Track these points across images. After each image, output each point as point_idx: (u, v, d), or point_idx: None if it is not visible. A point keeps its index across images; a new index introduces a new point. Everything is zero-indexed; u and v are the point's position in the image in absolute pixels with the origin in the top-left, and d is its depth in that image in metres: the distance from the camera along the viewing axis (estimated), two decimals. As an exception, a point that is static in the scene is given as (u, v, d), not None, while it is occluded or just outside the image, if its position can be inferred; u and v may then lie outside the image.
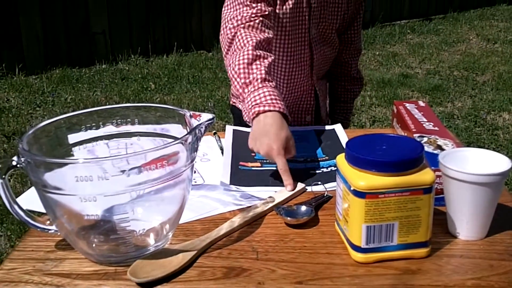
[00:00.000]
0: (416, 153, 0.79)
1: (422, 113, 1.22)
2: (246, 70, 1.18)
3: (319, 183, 1.08)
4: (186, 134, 0.80)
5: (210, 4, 4.78)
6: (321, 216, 0.97)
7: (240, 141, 1.31)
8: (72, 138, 0.94)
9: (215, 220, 0.97)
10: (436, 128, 1.12)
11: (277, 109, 1.11)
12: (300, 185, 1.08)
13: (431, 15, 6.41)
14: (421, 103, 1.29)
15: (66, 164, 0.76)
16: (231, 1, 1.33)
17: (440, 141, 1.05)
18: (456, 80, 4.27)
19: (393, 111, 1.30)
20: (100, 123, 0.97)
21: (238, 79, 1.19)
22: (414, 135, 1.09)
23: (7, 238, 2.25)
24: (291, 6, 1.39)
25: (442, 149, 1.02)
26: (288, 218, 0.94)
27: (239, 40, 1.24)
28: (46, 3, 4.11)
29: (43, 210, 0.87)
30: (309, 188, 1.08)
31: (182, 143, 0.80)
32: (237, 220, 0.95)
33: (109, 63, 4.44)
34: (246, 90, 1.17)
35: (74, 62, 4.32)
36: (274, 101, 1.12)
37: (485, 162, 0.86)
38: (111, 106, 0.96)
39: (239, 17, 1.28)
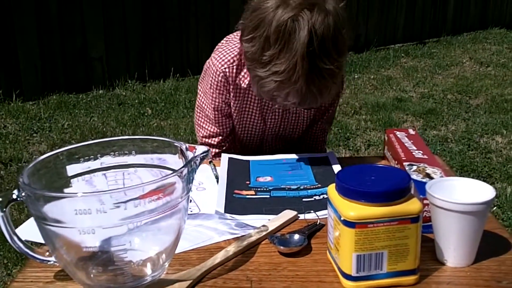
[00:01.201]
0: (404, 184, 0.82)
1: (412, 141, 1.25)
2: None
3: (312, 211, 1.10)
4: (182, 167, 0.83)
5: (207, 29, 4.85)
6: (314, 244, 0.99)
7: (235, 169, 1.34)
8: (71, 169, 0.96)
9: (210, 249, 0.99)
10: (425, 156, 1.16)
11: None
12: (292, 213, 1.10)
13: (424, 38, 6.50)
14: (411, 131, 1.32)
15: (65, 197, 0.79)
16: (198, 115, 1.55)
17: (429, 169, 1.08)
18: (450, 103, 4.32)
19: (385, 139, 1.34)
20: (98, 154, 1.00)
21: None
22: (404, 163, 1.13)
23: (4, 266, 2.26)
24: (244, 116, 1.51)
25: (431, 177, 1.05)
26: (281, 247, 0.96)
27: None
28: (43, 29, 4.16)
29: (41, 240, 0.90)
30: (301, 216, 1.10)
31: (178, 175, 0.83)
32: (231, 249, 0.97)
33: (106, 88, 4.48)
34: None
35: (71, 87, 4.36)
36: None
37: (471, 191, 0.89)
38: (109, 138, 0.99)
39: (203, 135, 1.55)
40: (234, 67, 1.42)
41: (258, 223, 1.07)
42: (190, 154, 0.89)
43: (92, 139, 3.07)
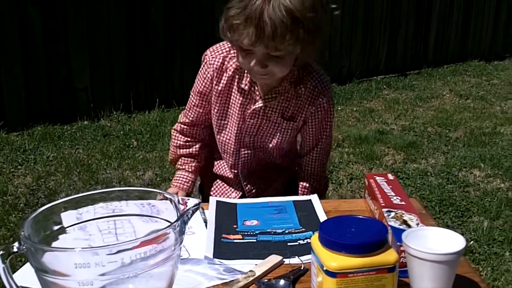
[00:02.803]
0: (381, 236, 0.88)
1: (390, 186, 1.32)
2: (174, 163, 1.77)
3: (296, 256, 1.16)
4: (175, 221, 0.89)
5: (192, 60, 4.92)
6: (298, 289, 1.05)
7: (223, 212, 1.39)
8: (65, 216, 1.01)
9: (200, 294, 1.04)
10: (402, 203, 1.22)
11: (181, 188, 1.69)
12: (277, 258, 1.16)
13: (406, 70, 6.65)
14: (390, 176, 1.39)
15: (64, 251, 0.84)
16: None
17: (406, 216, 1.15)
18: (430, 136, 4.44)
19: (365, 184, 1.40)
20: (91, 203, 1.05)
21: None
22: (383, 209, 1.19)
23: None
24: (231, 112, 1.62)
25: (407, 224, 1.12)
26: (268, 293, 1.02)
27: (171, 140, 1.76)
28: (28, 59, 4.18)
29: (36, 286, 0.94)
30: (286, 261, 1.16)
31: (172, 228, 0.88)
32: (220, 295, 1.02)
33: (91, 119, 4.52)
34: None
35: (56, 118, 4.38)
36: (183, 183, 1.70)
37: (443, 240, 0.96)
38: (103, 190, 1.04)
39: (178, 120, 1.73)
40: (221, 57, 1.56)
41: (245, 267, 1.13)
42: (181, 207, 0.95)
43: (78, 173, 3.09)
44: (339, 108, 5.13)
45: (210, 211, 1.39)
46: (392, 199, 1.25)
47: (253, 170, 1.70)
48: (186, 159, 1.72)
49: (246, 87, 1.54)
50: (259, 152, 1.66)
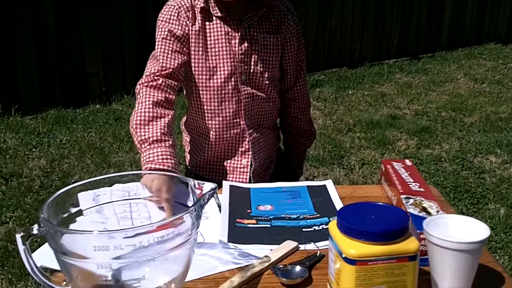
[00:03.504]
0: (402, 224, 0.87)
1: (408, 173, 1.30)
2: (142, 129, 1.34)
3: (312, 242, 1.15)
4: (193, 205, 0.88)
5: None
6: (314, 275, 1.04)
7: (236, 197, 1.38)
8: (82, 197, 1.00)
9: (216, 279, 1.03)
10: (421, 190, 1.20)
11: (165, 167, 1.29)
12: (293, 244, 1.14)
13: (419, 54, 6.57)
14: (407, 162, 1.37)
15: (82, 233, 0.84)
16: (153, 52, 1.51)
17: (425, 203, 1.13)
18: (444, 121, 4.39)
19: (382, 170, 1.38)
20: (108, 185, 1.04)
21: (136, 136, 1.36)
22: (401, 196, 1.17)
23: (8, 281, 2.29)
24: (216, 49, 1.51)
25: (427, 211, 1.10)
26: (284, 279, 1.01)
27: (140, 97, 1.40)
28: (42, 45, 4.20)
29: (54, 266, 0.97)
30: (302, 247, 1.14)
31: (188, 212, 0.87)
32: (236, 280, 1.01)
33: (103, 103, 4.52)
34: (142, 147, 1.34)
35: (68, 102, 4.39)
36: (164, 160, 1.30)
37: (466, 229, 0.94)
38: (118, 174, 1.03)
39: (146, 74, 1.45)
40: None
41: (260, 253, 1.12)
42: (197, 191, 0.94)
43: (91, 156, 3.11)
44: (350, 92, 5.09)
45: (224, 195, 1.38)
46: (410, 185, 1.23)
47: (254, 119, 1.61)
48: (166, 128, 1.35)
49: (223, 14, 1.49)
50: (257, 89, 1.58)
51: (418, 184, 1.23)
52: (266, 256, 1.09)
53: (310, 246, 1.14)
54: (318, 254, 1.10)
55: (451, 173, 3.40)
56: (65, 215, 0.95)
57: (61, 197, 0.94)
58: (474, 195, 3.13)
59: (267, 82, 1.59)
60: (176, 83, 1.46)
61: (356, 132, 4.11)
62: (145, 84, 1.42)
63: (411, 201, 1.14)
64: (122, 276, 0.86)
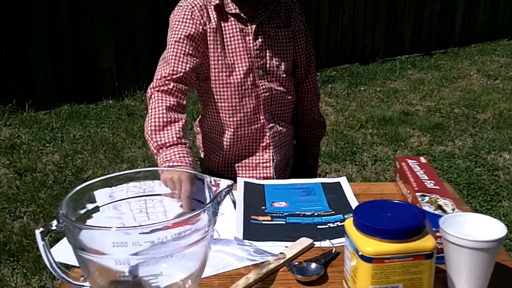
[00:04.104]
0: (419, 222, 0.87)
1: (423, 170, 1.30)
2: (158, 134, 1.35)
3: (327, 239, 1.15)
4: (209, 202, 0.88)
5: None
6: (330, 273, 1.04)
7: (251, 193, 1.38)
8: (99, 195, 1.01)
9: (232, 276, 1.04)
10: (436, 187, 1.20)
11: (183, 164, 1.30)
12: (308, 241, 1.15)
13: (431, 50, 6.53)
14: (422, 160, 1.37)
15: (100, 229, 0.84)
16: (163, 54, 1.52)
17: (441, 201, 1.13)
18: (457, 117, 4.36)
19: (396, 167, 1.38)
20: (124, 183, 1.05)
21: (151, 142, 1.37)
22: (416, 193, 1.17)
23: (23, 275, 2.32)
24: (232, 46, 1.54)
25: (442, 209, 1.09)
26: (299, 276, 1.01)
27: (152, 103, 1.41)
28: (55, 41, 4.23)
29: (69, 262, 0.99)
30: (317, 244, 1.15)
31: (205, 209, 0.88)
32: (252, 276, 1.02)
33: (116, 99, 4.54)
34: (160, 152, 1.35)
35: (81, 98, 4.42)
36: (182, 158, 1.31)
37: (482, 227, 0.93)
38: (134, 170, 1.04)
39: (157, 78, 1.45)
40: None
41: (275, 249, 1.12)
42: (214, 188, 0.94)
43: (104, 151, 3.13)
44: (362, 88, 5.08)
45: (238, 192, 1.38)
46: (425, 183, 1.22)
47: (274, 113, 1.63)
48: (181, 132, 1.37)
49: (237, 10, 1.53)
50: (274, 83, 1.59)
51: (433, 182, 1.23)
52: (281, 253, 1.10)
53: (325, 243, 1.14)
54: (333, 251, 1.10)
55: (464, 170, 3.38)
56: (83, 211, 0.96)
57: (79, 193, 0.95)
58: (488, 192, 3.11)
59: (284, 75, 1.61)
60: (186, 88, 1.47)
61: (368, 128, 4.10)
62: (157, 89, 1.43)
63: (427, 198, 1.14)
64: (140, 272, 0.87)
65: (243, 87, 1.56)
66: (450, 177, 3.29)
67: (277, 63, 1.60)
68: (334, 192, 1.39)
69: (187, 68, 1.46)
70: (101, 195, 1.01)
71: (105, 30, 4.46)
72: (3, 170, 3.24)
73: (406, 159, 1.37)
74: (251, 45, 1.55)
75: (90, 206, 0.98)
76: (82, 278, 0.92)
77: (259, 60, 1.57)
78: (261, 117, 1.60)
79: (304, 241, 1.14)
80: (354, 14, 5.84)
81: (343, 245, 0.96)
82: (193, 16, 1.50)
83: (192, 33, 1.49)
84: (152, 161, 3.46)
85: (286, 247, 1.13)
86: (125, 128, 3.95)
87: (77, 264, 0.91)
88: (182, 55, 1.46)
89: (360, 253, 0.86)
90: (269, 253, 1.11)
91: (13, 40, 4.05)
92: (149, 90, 1.45)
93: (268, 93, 1.59)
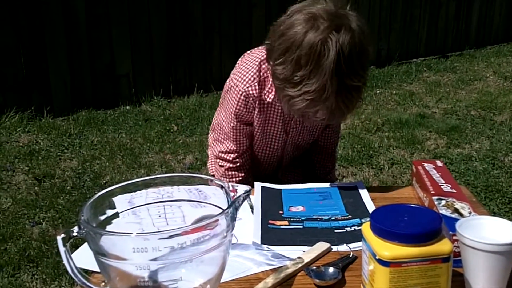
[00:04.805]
0: (435, 226, 0.87)
1: (440, 174, 1.30)
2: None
3: (344, 243, 1.16)
4: (228, 208, 0.90)
5: (230, 45, 4.94)
6: (348, 277, 1.05)
7: (268, 198, 1.39)
8: (118, 201, 1.03)
9: (250, 280, 1.05)
10: (453, 191, 1.20)
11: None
12: (325, 245, 1.16)
13: (447, 52, 6.50)
14: (438, 163, 1.37)
15: (120, 235, 0.86)
16: (222, 131, 1.64)
17: (457, 204, 1.13)
18: (474, 120, 4.33)
19: (412, 171, 1.39)
20: (143, 188, 1.07)
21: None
22: (433, 197, 1.17)
23: (43, 281, 2.35)
24: (268, 129, 1.59)
25: (459, 213, 1.10)
26: (317, 280, 1.02)
27: (226, 178, 1.65)
28: (73, 47, 4.28)
29: (89, 267, 1.01)
30: (334, 248, 1.15)
31: (223, 214, 0.89)
32: (270, 281, 1.03)
33: (133, 104, 4.58)
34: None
35: (99, 104, 4.46)
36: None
37: (500, 230, 0.94)
38: (153, 176, 1.05)
39: (222, 151, 1.64)
40: (256, 84, 1.50)
41: (293, 254, 1.13)
42: (231, 194, 0.96)
43: (121, 157, 3.15)
44: (378, 92, 5.06)
45: (256, 197, 1.40)
46: (442, 186, 1.23)
47: (294, 152, 1.72)
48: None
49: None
50: (300, 150, 1.71)
51: (449, 185, 1.23)
52: (299, 258, 1.11)
53: (343, 248, 1.15)
54: (351, 256, 1.11)
55: (482, 173, 3.36)
56: (103, 217, 0.98)
57: (99, 200, 0.97)
58: (506, 195, 3.08)
59: (310, 142, 1.70)
60: (248, 155, 1.65)
61: (384, 131, 4.09)
62: (227, 168, 1.64)
63: (443, 202, 1.14)
64: (159, 277, 0.89)
65: (272, 159, 1.69)
66: (468, 180, 3.27)
67: (308, 140, 1.67)
68: (351, 196, 1.40)
69: (248, 144, 1.63)
70: (121, 201, 1.03)
71: (121, 36, 4.51)
72: (22, 176, 3.29)
73: (422, 163, 1.37)
74: (289, 129, 1.60)
75: (110, 212, 1.00)
76: (103, 284, 0.94)
77: (292, 139, 1.64)
78: (284, 156, 1.70)
79: (322, 246, 1.15)
80: (369, 17, 5.84)
81: (360, 249, 0.97)
82: (247, 106, 1.53)
83: (246, 119, 1.56)
84: (169, 166, 3.49)
85: (304, 251, 1.14)
86: (142, 134, 3.98)
87: (97, 270, 0.93)
88: (242, 136, 1.60)
89: (377, 257, 0.87)
90: (287, 258, 1.12)
91: (32, 47, 4.11)
92: (220, 169, 1.67)
93: (294, 147, 1.68)
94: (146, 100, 4.65)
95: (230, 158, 1.63)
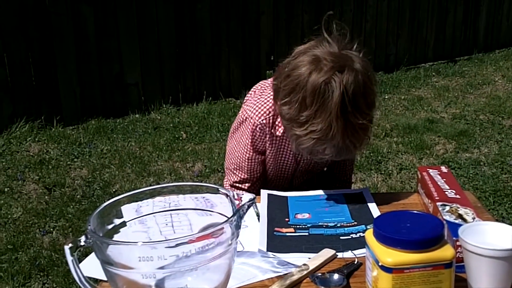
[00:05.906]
0: (437, 232, 0.88)
1: (444, 179, 1.31)
2: None
3: (349, 250, 1.17)
4: (232, 216, 0.91)
5: (238, 53, 4.96)
6: (352, 283, 1.06)
7: (274, 205, 1.41)
8: (125, 210, 1.05)
9: (255, 288, 1.06)
10: (457, 196, 1.21)
11: None
12: (330, 252, 1.16)
13: (455, 56, 6.48)
14: (443, 169, 1.38)
15: (127, 245, 0.88)
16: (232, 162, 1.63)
17: (461, 210, 1.14)
18: (482, 124, 4.32)
19: (418, 177, 1.39)
20: (150, 197, 1.08)
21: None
22: (437, 203, 1.18)
23: (53, 290, 2.38)
24: (279, 158, 1.60)
25: (463, 218, 1.10)
26: (322, 287, 1.03)
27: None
28: (82, 57, 4.32)
29: (97, 276, 1.02)
30: (340, 255, 1.16)
31: (228, 222, 0.90)
32: (275, 288, 1.04)
33: (142, 113, 4.61)
34: None
35: (108, 112, 4.50)
36: None
37: (503, 236, 0.94)
38: (159, 186, 1.07)
39: (235, 181, 1.63)
40: (270, 118, 1.51)
41: (298, 261, 1.14)
42: (236, 202, 0.97)
43: (131, 165, 3.17)
44: (387, 97, 5.06)
45: (262, 204, 1.41)
46: (446, 192, 1.23)
47: (306, 175, 1.73)
48: None
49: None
50: (312, 174, 1.71)
51: (454, 191, 1.23)
52: (304, 265, 1.12)
53: (348, 254, 1.16)
54: (356, 262, 1.12)
55: (491, 177, 3.35)
56: (110, 226, 0.99)
57: (106, 209, 0.99)
58: (515, 200, 3.08)
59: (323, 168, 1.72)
60: (260, 181, 1.65)
61: (393, 136, 4.09)
62: (232, 186, 1.64)
63: (447, 208, 1.15)
64: (166, 285, 0.90)
65: (282, 185, 1.68)
66: (476, 185, 3.27)
67: (319, 168, 1.69)
68: (356, 203, 1.41)
69: (261, 172, 1.62)
70: (128, 210, 1.04)
71: (130, 45, 4.54)
72: (32, 186, 3.32)
73: (428, 169, 1.38)
74: (300, 160, 1.61)
75: (117, 221, 1.01)
76: (111, 292, 0.95)
77: (303, 169, 1.64)
78: (294, 180, 1.70)
79: (327, 252, 1.16)
80: (377, 23, 5.85)
81: (365, 256, 0.98)
82: (261, 136, 1.54)
83: (259, 149, 1.57)
84: (178, 174, 3.51)
85: (309, 258, 1.15)
86: (151, 142, 4.01)
87: (105, 279, 0.94)
88: (255, 165, 1.60)
89: (380, 264, 0.88)
90: (292, 265, 1.13)
91: (41, 58, 4.16)
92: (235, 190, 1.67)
93: (304, 172, 1.68)
94: (155, 108, 4.68)
95: (245, 187, 1.63)
